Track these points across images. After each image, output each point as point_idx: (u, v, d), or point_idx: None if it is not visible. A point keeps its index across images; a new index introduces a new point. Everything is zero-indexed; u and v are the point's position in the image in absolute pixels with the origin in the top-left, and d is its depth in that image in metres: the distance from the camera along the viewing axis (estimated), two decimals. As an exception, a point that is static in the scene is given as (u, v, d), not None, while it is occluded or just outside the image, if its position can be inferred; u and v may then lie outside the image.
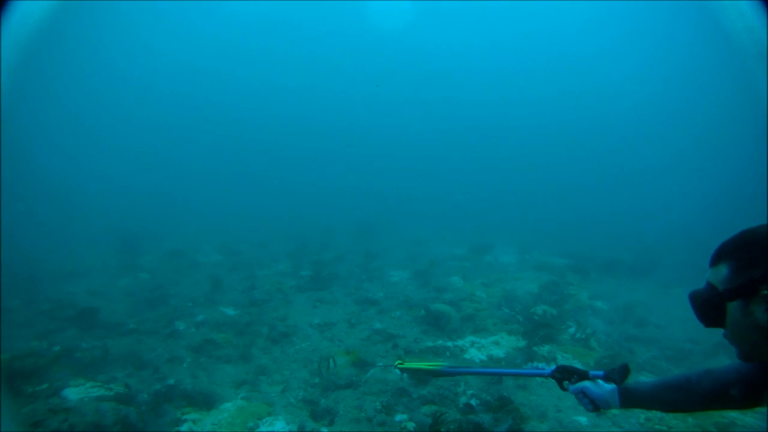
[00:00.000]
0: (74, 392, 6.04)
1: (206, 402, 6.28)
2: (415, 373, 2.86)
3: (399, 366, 2.74)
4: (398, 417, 6.03)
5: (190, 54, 48.54)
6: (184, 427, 5.63)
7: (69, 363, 7.11)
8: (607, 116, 47.70)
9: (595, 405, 2.01)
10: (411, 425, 5.68)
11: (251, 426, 5.78)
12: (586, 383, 2.03)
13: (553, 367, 2.17)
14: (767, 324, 1.35)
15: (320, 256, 15.37)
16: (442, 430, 5.23)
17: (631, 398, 1.95)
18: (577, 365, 7.20)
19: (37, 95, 34.51)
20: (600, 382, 2.02)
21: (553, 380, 2.14)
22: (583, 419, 6.16)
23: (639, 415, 5.96)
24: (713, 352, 8.50)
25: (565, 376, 2.11)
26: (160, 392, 6.30)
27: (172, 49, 46.98)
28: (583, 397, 2.03)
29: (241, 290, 11.87)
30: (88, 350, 7.55)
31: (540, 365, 7.48)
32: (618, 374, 1.97)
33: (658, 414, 5.70)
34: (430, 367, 2.69)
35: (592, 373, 2.04)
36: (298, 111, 53.51)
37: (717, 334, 1.59)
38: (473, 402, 6.30)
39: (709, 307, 1.49)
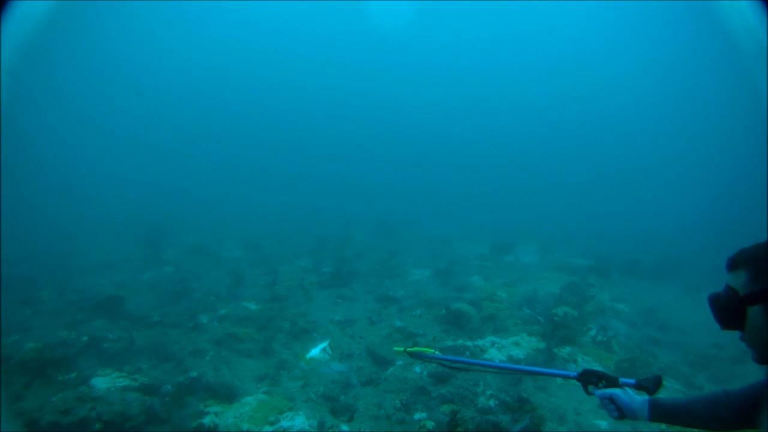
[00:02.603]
0: (101, 382, 6.22)
1: (228, 395, 6.39)
2: (430, 361, 2.79)
3: (409, 351, 2.72)
4: (417, 415, 6.06)
5: (207, 53, 49.33)
6: (207, 419, 5.74)
7: (96, 353, 7.31)
8: (621, 115, 47.01)
9: (621, 413, 1.96)
10: (430, 424, 5.71)
11: (272, 420, 5.86)
12: (617, 390, 1.98)
13: (580, 370, 2.14)
14: None
15: (341, 253, 15.45)
16: (459, 428, 5.24)
17: (661, 412, 1.90)
18: (598, 368, 7.13)
19: (58, 92, 35.38)
20: (629, 390, 1.98)
21: (575, 383, 2.12)
22: (603, 423, 6.11)
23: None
24: (740, 359, 8.32)
25: (591, 380, 2.08)
26: (183, 384, 6.44)
27: (189, 48, 47.83)
28: (610, 403, 1.98)
29: (263, 285, 12.01)
30: (114, 341, 7.75)
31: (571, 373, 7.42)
32: (652, 384, 1.93)
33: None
34: (447, 359, 2.66)
35: (622, 380, 2.00)
36: (321, 109, 53.81)
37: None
38: (492, 402, 6.30)
39: (729, 310, 1.51)
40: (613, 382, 2.01)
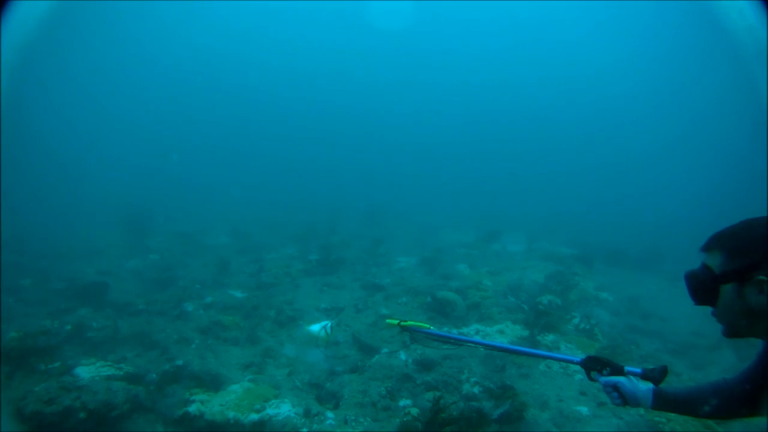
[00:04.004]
0: (86, 371, 6.18)
1: (214, 383, 6.40)
2: (426, 336, 2.70)
3: (403, 324, 2.71)
4: (402, 402, 6.13)
5: (203, 39, 48.92)
6: (192, 407, 5.75)
7: (80, 342, 7.27)
8: (613, 106, 47.30)
9: (624, 400, 2.00)
10: (415, 411, 5.77)
11: (258, 408, 5.89)
12: (621, 379, 2.01)
13: (584, 355, 2.16)
14: (758, 307, 1.49)
15: (328, 241, 15.43)
16: (442, 414, 5.32)
17: (664, 400, 1.95)
18: (581, 355, 7.26)
19: (49, 73, 34.69)
20: (633, 379, 2.00)
21: (559, 370, 2.14)
22: (584, 409, 6.23)
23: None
24: (717, 346, 8.52)
25: (596, 366, 2.09)
26: (168, 372, 6.44)
27: (184, 35, 47.27)
28: (613, 390, 2.01)
29: (249, 273, 11.99)
30: (98, 330, 7.70)
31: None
32: (658, 374, 1.96)
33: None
34: (444, 335, 2.66)
35: (627, 368, 2.02)
36: (310, 96, 53.41)
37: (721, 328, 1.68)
38: (476, 389, 6.39)
39: (704, 287, 1.63)
40: (618, 370, 2.04)
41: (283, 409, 5.91)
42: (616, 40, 42.77)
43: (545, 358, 2.42)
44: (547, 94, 50.58)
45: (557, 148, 45.68)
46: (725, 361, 8.08)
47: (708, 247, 1.64)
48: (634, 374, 2.00)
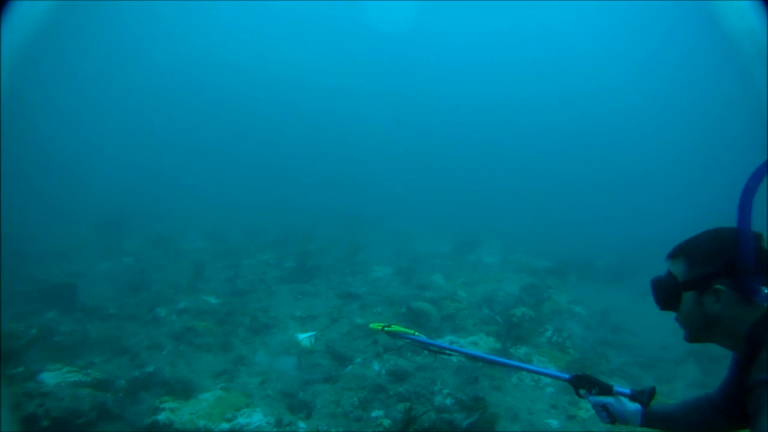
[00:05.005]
0: (51, 377, 6.04)
1: (185, 391, 6.31)
2: (411, 343, 2.69)
3: (387, 330, 2.67)
4: (375, 413, 6.13)
5: (192, 44, 48.88)
6: (162, 415, 5.66)
7: (47, 346, 7.08)
8: (599, 119, 48.12)
9: (612, 418, 2.05)
10: (387, 422, 5.79)
11: (229, 417, 5.83)
12: (610, 399, 2.04)
13: (572, 373, 2.17)
14: (715, 314, 1.57)
15: (305, 248, 15.34)
16: (414, 425, 5.34)
17: (652, 419, 2.00)
18: (552, 368, 7.38)
19: (49, 73, 34.32)
20: (622, 399, 2.03)
21: (531, 383, 2.17)
22: (554, 422, 6.32)
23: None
24: (683, 360, 8.74)
25: (584, 385, 2.11)
26: (138, 379, 6.33)
27: (174, 37, 47.12)
28: (602, 410, 2.06)
29: (225, 279, 11.86)
30: (66, 334, 7.54)
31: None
32: (647, 397, 1.97)
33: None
34: (431, 343, 2.65)
35: (616, 388, 2.04)
36: (291, 102, 53.24)
37: (687, 343, 1.76)
38: (448, 401, 6.43)
39: (667, 293, 1.70)
40: (606, 390, 2.06)
41: (255, 418, 5.86)
42: (608, 48, 43.59)
43: (534, 372, 2.43)
44: (530, 108, 51.25)
45: (536, 159, 46.23)
46: (690, 374, 8.29)
47: (673, 254, 1.71)
48: (623, 395, 2.03)
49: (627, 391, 2.02)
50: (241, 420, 5.80)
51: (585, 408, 6.49)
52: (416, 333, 2.66)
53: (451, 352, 2.67)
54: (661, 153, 41.52)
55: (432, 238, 18.63)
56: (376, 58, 52.27)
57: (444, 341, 8.47)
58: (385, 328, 2.70)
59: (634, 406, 2.01)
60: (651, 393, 1.98)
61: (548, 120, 50.55)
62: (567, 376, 2.17)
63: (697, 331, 1.66)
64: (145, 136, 41.10)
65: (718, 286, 1.54)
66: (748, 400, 1.40)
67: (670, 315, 1.76)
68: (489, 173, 41.58)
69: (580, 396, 2.14)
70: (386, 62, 52.46)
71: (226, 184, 32.44)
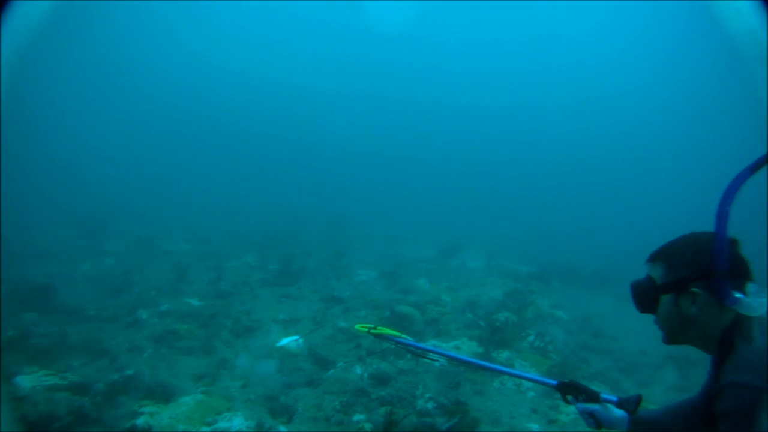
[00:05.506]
0: (27, 380, 5.94)
1: (165, 395, 6.24)
2: (398, 345, 2.65)
3: (374, 332, 2.67)
4: (356, 417, 6.13)
5: (187, 46, 48.72)
6: (141, 419, 5.60)
7: (23, 349, 6.94)
8: (584, 128, 48.57)
9: (599, 424, 2.08)
10: (368, 426, 5.78)
11: (209, 421, 5.78)
12: (597, 407, 2.07)
13: (559, 380, 2.20)
14: (691, 317, 1.61)
15: (289, 250, 15.26)
16: (394, 429, 5.35)
17: (639, 424, 2.02)
18: (534, 372, 7.44)
19: (48, 72, 33.97)
20: (609, 406, 2.07)
21: (513, 387, 2.19)
22: (535, 426, 6.37)
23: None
24: (662, 365, 8.86)
25: (572, 392, 2.14)
26: (117, 383, 6.24)
27: (170, 39, 46.92)
28: (589, 417, 2.09)
29: (208, 281, 11.76)
30: (44, 336, 7.40)
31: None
32: (633, 405, 2.01)
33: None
34: (419, 346, 2.63)
35: (603, 396, 2.08)
36: (278, 104, 53.03)
37: (667, 347, 1.83)
38: (430, 405, 6.45)
39: (646, 296, 1.75)
40: (593, 397, 2.10)
41: (236, 422, 5.82)
42: (601, 56, 44.16)
43: (523, 378, 2.44)
44: (518, 115, 51.57)
45: (521, 168, 46.54)
46: (669, 378, 8.41)
47: (652, 258, 1.76)
48: (610, 402, 2.07)
49: (614, 398, 2.06)
50: (222, 424, 5.76)
51: (565, 412, 6.55)
52: (402, 335, 2.65)
53: (438, 357, 2.68)
54: (648, 161, 42.01)
55: (417, 243, 18.67)
56: (368, 60, 52.27)
57: (428, 345, 8.49)
58: (371, 330, 2.69)
59: (620, 413, 2.05)
60: (637, 400, 2.03)
61: (534, 127, 50.95)
62: (554, 382, 2.20)
63: (674, 333, 1.71)
64: (136, 138, 40.70)
65: (694, 289, 1.59)
66: (717, 401, 1.45)
67: (651, 321, 1.80)
68: (475, 179, 41.74)
69: (567, 402, 2.17)
70: (379, 65, 52.51)
71: (210, 185, 32.14)
